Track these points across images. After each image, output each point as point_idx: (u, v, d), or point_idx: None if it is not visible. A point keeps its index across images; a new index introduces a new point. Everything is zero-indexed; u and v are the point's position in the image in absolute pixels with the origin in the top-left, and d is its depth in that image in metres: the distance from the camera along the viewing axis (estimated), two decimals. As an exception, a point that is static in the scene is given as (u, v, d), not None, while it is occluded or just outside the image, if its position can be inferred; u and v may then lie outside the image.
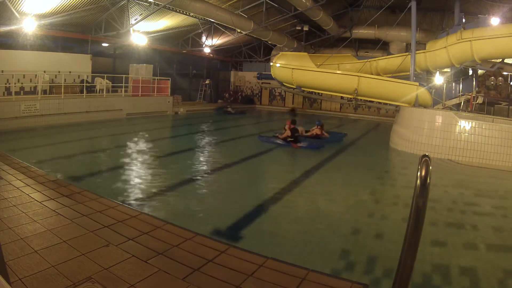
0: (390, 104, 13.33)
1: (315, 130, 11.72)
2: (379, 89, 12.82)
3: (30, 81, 14.08)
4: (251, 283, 2.52)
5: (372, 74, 14.49)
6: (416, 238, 1.81)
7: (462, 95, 14.51)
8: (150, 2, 14.40)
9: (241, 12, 17.12)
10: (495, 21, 12.84)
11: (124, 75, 16.97)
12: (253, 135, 12.82)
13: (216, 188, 6.53)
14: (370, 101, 15.02)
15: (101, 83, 15.73)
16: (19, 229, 3.13)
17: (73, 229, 3.23)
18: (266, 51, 25.19)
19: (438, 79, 15.30)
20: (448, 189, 7.03)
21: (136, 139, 10.97)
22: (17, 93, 12.76)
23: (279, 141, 10.61)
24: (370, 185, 7.20)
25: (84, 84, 14.92)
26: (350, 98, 13.58)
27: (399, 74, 14.09)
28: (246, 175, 7.71)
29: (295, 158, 9.95)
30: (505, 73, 16.91)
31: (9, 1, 11.44)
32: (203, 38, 21.27)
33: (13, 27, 12.70)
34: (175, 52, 22.59)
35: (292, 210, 5.46)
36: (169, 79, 19.44)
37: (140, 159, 8.28)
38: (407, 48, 19.22)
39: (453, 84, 15.30)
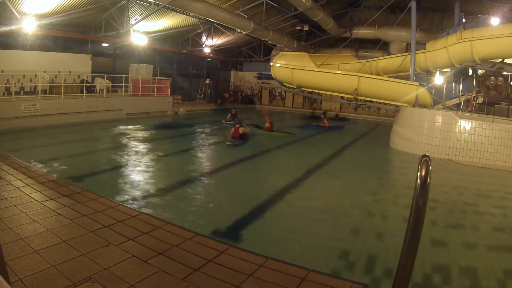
0: (390, 104, 13.34)
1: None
2: (379, 89, 12.83)
3: (30, 81, 14.09)
4: (251, 283, 2.52)
5: (372, 74, 14.50)
6: (416, 238, 1.81)
7: (462, 95, 14.51)
8: (150, 2, 14.41)
9: (241, 12, 17.13)
10: (495, 21, 12.84)
11: (124, 75, 16.98)
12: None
13: (212, 188, 6.54)
14: (370, 101, 15.03)
15: (101, 83, 15.72)
16: (19, 229, 3.13)
17: (73, 229, 3.23)
18: (266, 51, 25.19)
19: (438, 79, 15.31)
20: (448, 189, 7.03)
21: (136, 139, 10.96)
22: (17, 93, 12.76)
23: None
24: (370, 185, 7.20)
25: (84, 84, 14.92)
26: (350, 98, 13.59)
27: (399, 74, 14.10)
28: (242, 173, 7.71)
29: (295, 157, 9.95)
30: (505, 73, 16.90)
31: (9, 1, 11.44)
32: (203, 38, 21.27)
33: (13, 27, 12.71)
34: (175, 52, 22.59)
35: (292, 210, 5.46)
36: (169, 79, 19.44)
37: (140, 159, 8.27)
38: (407, 48, 19.22)
39: (453, 84, 15.30)
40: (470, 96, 13.97)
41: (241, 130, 10.91)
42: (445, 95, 14.43)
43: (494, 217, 5.58)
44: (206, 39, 21.28)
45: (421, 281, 3.41)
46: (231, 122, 14.45)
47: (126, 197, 5.45)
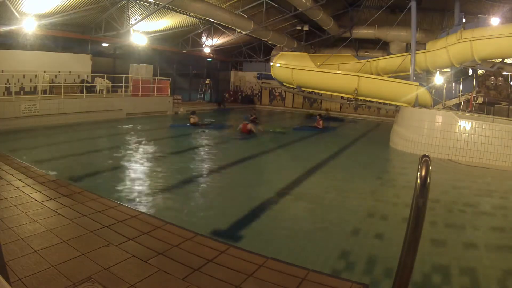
0: (390, 104, 13.33)
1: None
2: (379, 89, 12.83)
3: (30, 81, 14.08)
4: (251, 283, 2.52)
5: (372, 74, 14.50)
6: (416, 238, 1.81)
7: (462, 95, 14.51)
8: (150, 2, 14.41)
9: (241, 12, 17.13)
10: (495, 21, 12.84)
11: (124, 75, 16.98)
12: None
13: (209, 189, 6.54)
14: (370, 101, 15.02)
15: (101, 83, 15.73)
16: (19, 229, 3.13)
17: (73, 229, 3.23)
18: (266, 51, 25.20)
19: (438, 79, 15.30)
20: (448, 189, 7.03)
21: (136, 139, 10.97)
22: (17, 93, 12.75)
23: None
24: (370, 185, 7.20)
25: (84, 84, 14.92)
26: (350, 98, 13.59)
27: (399, 74, 14.09)
28: (247, 175, 7.71)
29: (295, 156, 9.95)
30: (505, 73, 16.91)
31: (9, 1, 11.45)
32: (203, 38, 21.27)
33: (13, 27, 12.71)
34: (175, 52, 22.59)
35: (292, 210, 5.45)
36: (169, 79, 19.45)
37: (140, 159, 8.27)
38: (407, 48, 19.23)
39: (453, 84, 15.29)
40: (470, 96, 13.96)
41: (248, 126, 12.37)
42: (445, 95, 14.42)
43: (494, 217, 5.58)
44: (206, 39, 21.29)
45: (421, 281, 3.41)
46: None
47: (127, 196, 5.45)
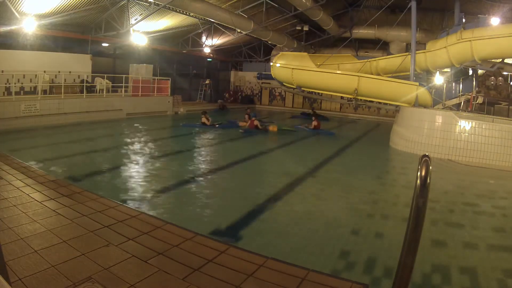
0: (390, 104, 13.34)
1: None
2: (379, 89, 12.84)
3: (30, 81, 14.08)
4: (251, 283, 2.52)
5: (372, 74, 14.50)
6: (416, 238, 1.81)
7: (462, 95, 14.51)
8: (150, 2, 14.41)
9: (241, 12, 17.13)
10: (495, 21, 12.85)
11: (124, 75, 16.97)
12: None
13: (208, 188, 6.54)
14: (370, 101, 15.02)
15: (101, 83, 15.73)
16: (19, 229, 3.13)
17: (73, 229, 3.23)
18: (266, 51, 25.19)
19: (438, 79, 15.31)
20: (448, 189, 7.03)
21: (136, 139, 10.97)
22: (17, 93, 12.74)
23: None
24: (370, 185, 7.20)
25: (84, 84, 14.91)
26: (350, 98, 13.59)
27: (399, 74, 14.09)
28: (244, 174, 7.72)
29: (296, 156, 9.95)
30: (505, 73, 16.91)
31: (9, 1, 11.44)
32: (203, 38, 21.27)
33: (13, 27, 12.70)
34: (175, 52, 22.59)
35: (292, 210, 5.45)
36: (169, 79, 19.44)
37: (140, 159, 8.28)
38: (407, 48, 19.23)
39: (453, 84, 15.29)
40: (470, 96, 13.97)
41: (255, 122, 13.60)
42: (445, 95, 14.43)
43: (494, 217, 5.58)
44: (206, 39, 21.28)
45: (421, 281, 3.41)
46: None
47: (127, 196, 5.45)
